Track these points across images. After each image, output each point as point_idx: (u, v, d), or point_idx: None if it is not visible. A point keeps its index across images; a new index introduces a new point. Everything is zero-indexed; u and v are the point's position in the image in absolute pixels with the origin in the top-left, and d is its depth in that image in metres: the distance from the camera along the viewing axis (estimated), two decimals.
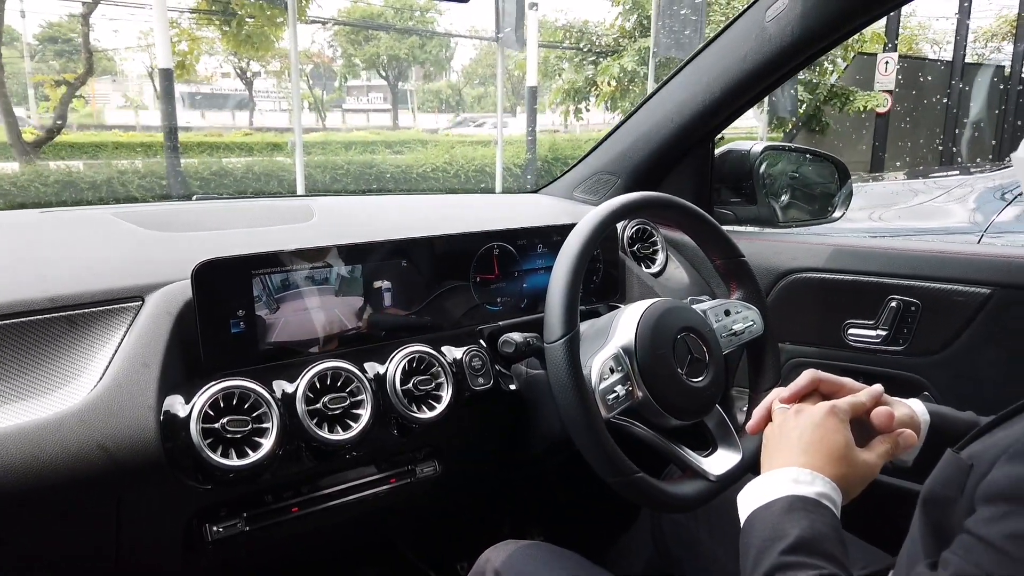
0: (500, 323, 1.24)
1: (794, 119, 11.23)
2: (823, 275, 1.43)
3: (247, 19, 12.05)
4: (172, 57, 8.40)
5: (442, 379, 1.09)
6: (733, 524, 1.15)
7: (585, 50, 12.70)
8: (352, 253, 1.07)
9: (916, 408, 0.87)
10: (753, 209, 1.63)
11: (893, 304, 1.33)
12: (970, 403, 1.28)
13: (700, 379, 1.06)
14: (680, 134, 1.47)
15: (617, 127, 1.62)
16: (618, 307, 1.37)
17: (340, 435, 0.97)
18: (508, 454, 1.28)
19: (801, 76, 10.63)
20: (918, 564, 0.61)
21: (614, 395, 0.98)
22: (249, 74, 25.53)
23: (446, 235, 1.18)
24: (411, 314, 1.14)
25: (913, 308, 1.31)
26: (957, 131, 11.87)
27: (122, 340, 0.90)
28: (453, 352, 1.13)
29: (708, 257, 1.22)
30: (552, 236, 1.30)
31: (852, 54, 11.11)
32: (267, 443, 0.91)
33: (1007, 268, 1.22)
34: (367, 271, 1.09)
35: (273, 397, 0.94)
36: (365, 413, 1.00)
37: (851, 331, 1.40)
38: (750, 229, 1.64)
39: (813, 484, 0.71)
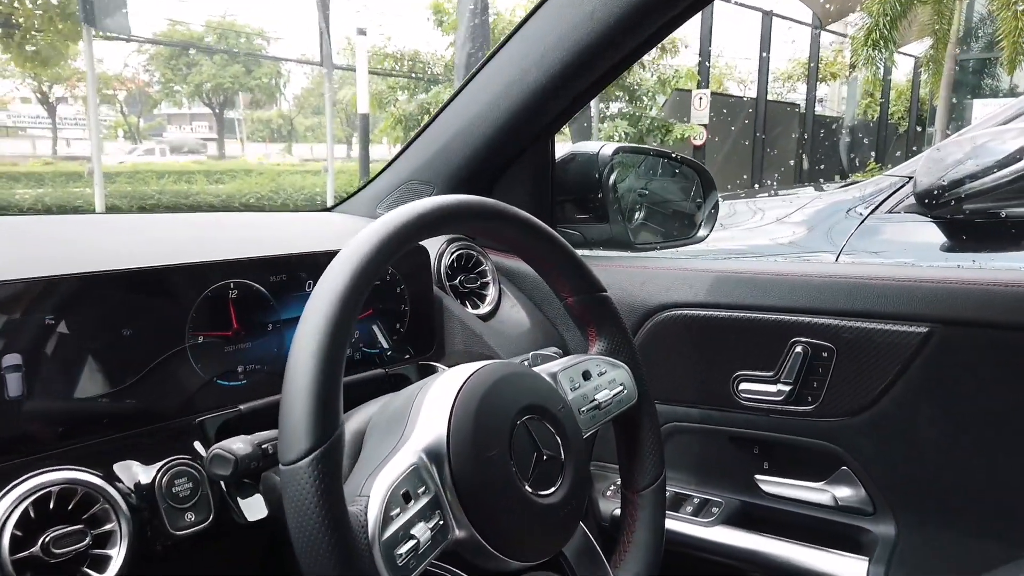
0: (241, 408, 0.78)
1: None
2: (703, 311, 1.08)
3: (34, 32, 10.66)
4: None
5: (111, 524, 0.62)
6: None
7: (417, 78, 12.46)
8: None
9: None
10: (605, 228, 1.29)
11: (798, 349, 1.00)
12: (904, 477, 0.97)
13: (553, 490, 0.67)
14: (509, 126, 1.09)
15: (429, 123, 1.22)
16: (434, 368, 0.96)
17: None
18: None
19: (624, 110, 11.00)
20: None
21: (411, 545, 0.56)
22: (52, 99, 23.38)
23: (133, 271, 0.72)
24: (66, 408, 0.66)
25: (825, 354, 0.99)
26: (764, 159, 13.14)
27: None
28: (136, 474, 0.66)
29: (556, 293, 0.84)
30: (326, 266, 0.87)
31: (670, 89, 11.65)
32: None
33: (949, 298, 0.92)
34: None
35: None
36: None
37: (743, 385, 1.07)
38: (602, 253, 1.29)
39: None
